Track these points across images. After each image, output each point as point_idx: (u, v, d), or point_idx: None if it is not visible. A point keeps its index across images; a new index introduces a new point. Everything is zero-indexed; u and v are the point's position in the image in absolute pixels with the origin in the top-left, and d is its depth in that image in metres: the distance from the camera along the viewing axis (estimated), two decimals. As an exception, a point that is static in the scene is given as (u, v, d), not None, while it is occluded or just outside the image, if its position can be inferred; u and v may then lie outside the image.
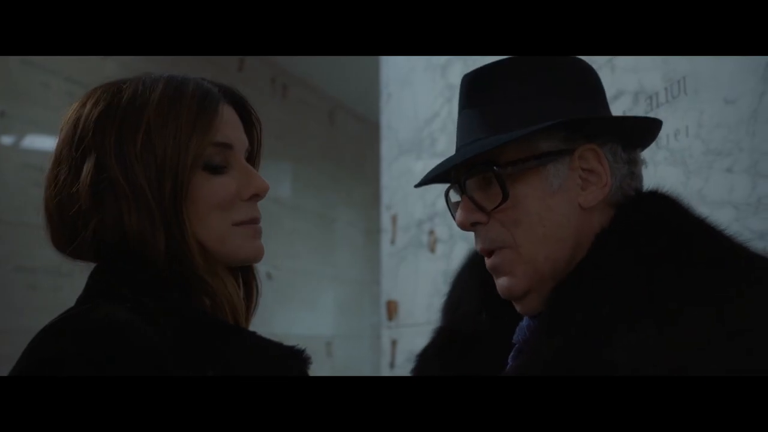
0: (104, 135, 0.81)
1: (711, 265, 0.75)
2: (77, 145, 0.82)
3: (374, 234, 3.50)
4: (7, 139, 2.64)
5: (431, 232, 2.27)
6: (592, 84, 0.90)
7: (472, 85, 0.89)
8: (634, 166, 0.89)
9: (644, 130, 0.91)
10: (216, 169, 0.84)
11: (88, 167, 0.80)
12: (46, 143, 2.69)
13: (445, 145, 2.18)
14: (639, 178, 0.90)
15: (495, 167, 0.84)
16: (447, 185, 0.94)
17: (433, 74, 2.33)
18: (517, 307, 0.89)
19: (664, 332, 0.70)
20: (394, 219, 2.58)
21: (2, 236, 2.52)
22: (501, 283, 0.88)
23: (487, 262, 0.89)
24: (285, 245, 4.16)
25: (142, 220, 0.79)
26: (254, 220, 0.87)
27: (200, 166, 0.82)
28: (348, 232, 4.95)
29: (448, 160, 0.88)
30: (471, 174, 0.87)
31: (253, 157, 0.93)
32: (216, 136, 0.84)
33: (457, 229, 0.90)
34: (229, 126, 0.86)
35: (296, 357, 0.83)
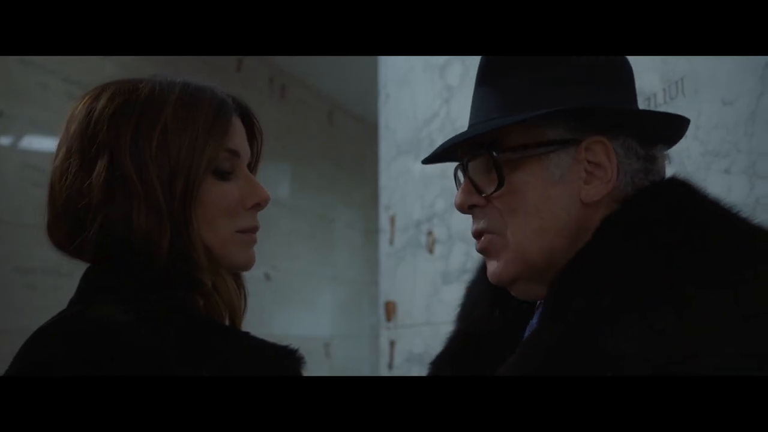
0: (119, 132, 0.81)
1: (727, 248, 0.72)
2: (90, 139, 0.81)
3: (373, 234, 3.50)
4: (6, 140, 2.64)
5: (429, 233, 2.27)
6: (619, 75, 0.85)
7: (489, 63, 0.86)
8: (651, 163, 0.83)
9: (665, 125, 0.86)
10: (223, 175, 0.85)
11: (102, 163, 0.80)
12: (45, 143, 2.69)
13: (443, 146, 2.18)
14: (657, 174, 0.83)
15: (494, 152, 0.81)
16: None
17: (432, 75, 2.34)
18: (512, 292, 0.86)
19: (682, 318, 0.67)
20: (392, 219, 2.58)
21: (1, 236, 2.52)
22: (489, 267, 0.86)
23: (476, 245, 0.87)
24: (284, 246, 4.16)
25: (151, 218, 0.80)
26: (254, 229, 0.89)
27: (211, 170, 0.84)
28: (346, 233, 4.95)
29: (452, 138, 0.86)
30: (473, 155, 0.84)
31: (251, 168, 0.95)
32: (229, 143, 0.85)
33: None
34: (238, 135, 0.88)
35: (290, 356, 0.84)
